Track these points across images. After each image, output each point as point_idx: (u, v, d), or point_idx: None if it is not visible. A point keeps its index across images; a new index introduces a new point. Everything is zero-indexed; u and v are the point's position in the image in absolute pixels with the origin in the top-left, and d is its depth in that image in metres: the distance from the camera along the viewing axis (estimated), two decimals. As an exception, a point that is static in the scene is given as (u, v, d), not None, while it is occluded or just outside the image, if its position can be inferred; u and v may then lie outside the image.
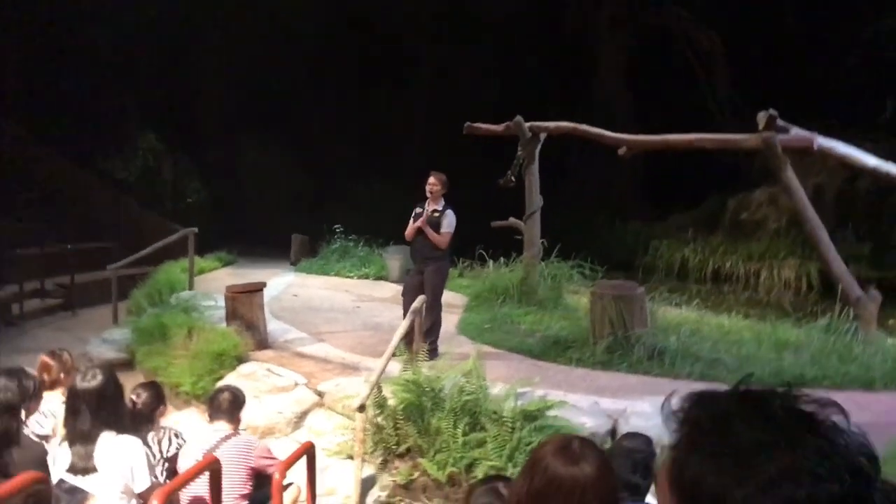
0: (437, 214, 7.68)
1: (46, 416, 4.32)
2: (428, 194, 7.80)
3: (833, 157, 9.28)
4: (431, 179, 7.80)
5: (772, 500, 0.83)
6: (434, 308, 7.62)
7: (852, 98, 16.06)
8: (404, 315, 7.18)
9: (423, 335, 7.18)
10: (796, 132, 8.52)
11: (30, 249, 12.61)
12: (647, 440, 3.50)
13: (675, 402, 0.97)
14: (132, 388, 4.36)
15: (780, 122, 8.34)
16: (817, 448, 0.85)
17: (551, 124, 10.70)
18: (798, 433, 0.87)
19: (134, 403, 4.18)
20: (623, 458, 2.85)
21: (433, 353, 7.38)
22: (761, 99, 11.37)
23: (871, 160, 8.69)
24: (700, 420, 0.93)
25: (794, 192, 8.50)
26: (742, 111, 18.65)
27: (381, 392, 5.75)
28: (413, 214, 7.89)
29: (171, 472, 4.15)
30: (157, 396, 4.40)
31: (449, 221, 7.66)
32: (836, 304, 8.38)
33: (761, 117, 8.32)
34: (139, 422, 4.13)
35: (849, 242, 14.25)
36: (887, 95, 16.36)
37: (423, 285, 7.63)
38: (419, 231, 7.70)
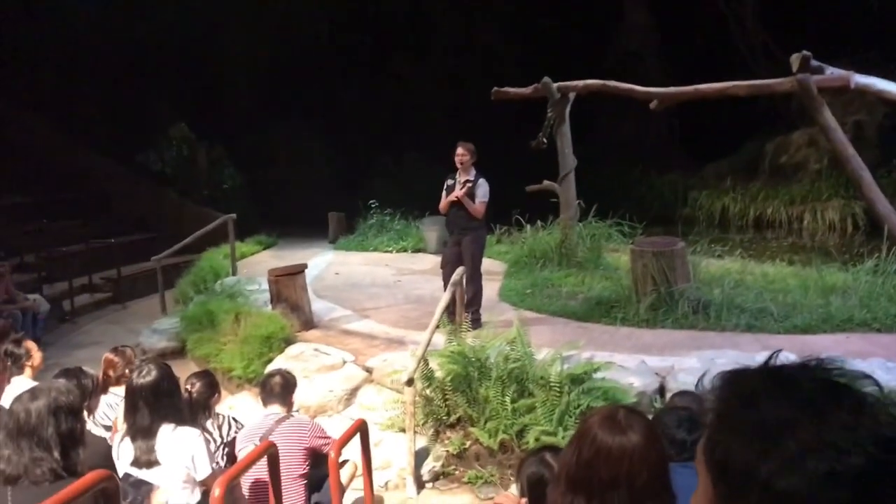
0: (470, 184, 7.66)
1: (112, 407, 4.51)
2: (458, 165, 7.77)
3: (871, 94, 9.03)
4: (460, 150, 7.75)
5: (796, 474, 0.85)
6: (474, 278, 7.65)
7: (889, 28, 15.52)
8: (444, 287, 7.23)
9: (465, 305, 7.21)
10: (832, 71, 8.30)
11: (75, 246, 12.91)
12: (696, 398, 3.51)
13: (708, 382, 1.00)
14: (185, 379, 4.49)
15: (814, 63, 8.13)
16: (841, 422, 0.86)
17: (580, 83, 10.54)
18: (823, 407, 0.88)
19: (189, 393, 4.31)
20: (671, 415, 2.86)
21: (476, 322, 7.42)
22: (794, 37, 11.11)
23: (910, 94, 8.44)
24: (729, 399, 0.96)
25: (833, 133, 8.29)
26: (774, 52, 18.26)
27: (427, 365, 5.82)
28: (445, 187, 7.88)
29: (231, 457, 4.28)
30: (211, 385, 4.52)
31: (483, 191, 7.65)
32: (884, 244, 8.21)
33: (794, 59, 8.09)
34: (195, 411, 4.26)
35: (894, 179, 13.90)
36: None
37: (461, 256, 7.66)
38: (454, 202, 7.70)
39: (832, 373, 0.92)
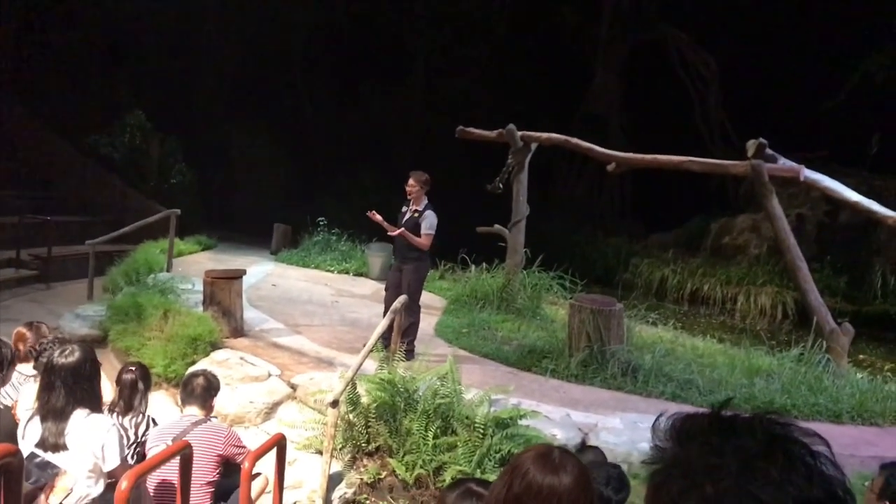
0: (416, 215, 7.70)
1: (16, 387, 4.29)
2: (408, 195, 7.82)
3: (817, 189, 9.39)
4: (410, 181, 7.79)
5: None
6: (412, 309, 7.62)
7: (840, 132, 16.24)
8: (385, 311, 7.20)
9: (401, 335, 7.17)
10: (784, 162, 8.63)
11: (8, 218, 12.45)
12: (601, 453, 3.63)
13: (663, 422, 1.01)
14: (126, 365, 4.36)
15: (768, 151, 8.44)
16: (769, 476, 0.87)
17: (543, 135, 10.73)
18: (754, 459, 0.89)
19: (135, 377, 4.20)
20: (600, 471, 2.88)
21: (410, 353, 7.37)
22: (751, 125, 11.53)
23: (853, 195, 8.80)
24: (672, 438, 0.98)
25: (778, 221, 8.59)
26: (731, 136, 18.93)
27: (355, 389, 5.73)
28: (401, 213, 7.93)
29: (141, 457, 4.13)
30: (148, 376, 4.42)
31: (429, 223, 7.66)
32: (810, 334, 8.47)
33: (751, 145, 8.41)
34: (133, 399, 4.15)
35: (826, 274, 14.41)
36: (873, 132, 16.57)
37: (401, 282, 7.67)
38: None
39: (777, 428, 0.93)
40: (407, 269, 7.73)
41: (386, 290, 7.99)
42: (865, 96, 16.76)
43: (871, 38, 17.14)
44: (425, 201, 7.79)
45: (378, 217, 7.76)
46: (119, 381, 4.35)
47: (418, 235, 7.60)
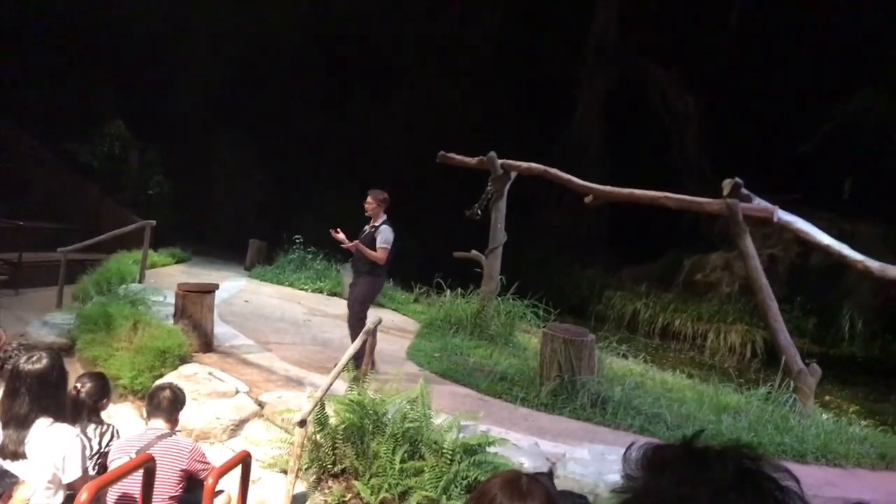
0: (373, 230, 7.84)
1: None
2: (367, 213, 7.96)
3: (790, 231, 9.52)
4: (368, 198, 8.03)
5: None
6: (356, 326, 7.63)
7: (814, 176, 16.52)
8: (348, 326, 7.26)
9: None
10: (758, 202, 8.75)
11: (-21, 222, 12.29)
12: (550, 479, 3.66)
13: (635, 452, 1.02)
14: (77, 377, 4.27)
15: (743, 191, 8.57)
16: None
17: (523, 164, 10.81)
18: (725, 492, 0.90)
19: (77, 391, 4.09)
20: (566, 499, 2.89)
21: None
22: (727, 165, 11.70)
23: (825, 238, 8.93)
24: (643, 468, 1.00)
25: (750, 260, 8.69)
26: (707, 174, 19.19)
27: (323, 409, 5.70)
28: (361, 231, 8.07)
29: (103, 468, 4.06)
30: (102, 389, 4.31)
31: (384, 237, 7.76)
32: (778, 374, 8.54)
33: (727, 184, 8.53)
34: (78, 410, 4.04)
35: (796, 315, 14.59)
36: (846, 177, 16.89)
37: None
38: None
39: (748, 462, 0.94)
40: (360, 283, 7.87)
41: (348, 308, 8.08)
42: (840, 141, 17.09)
43: (848, 84, 17.51)
44: (383, 218, 7.94)
45: (341, 235, 7.85)
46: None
47: (374, 250, 7.67)
